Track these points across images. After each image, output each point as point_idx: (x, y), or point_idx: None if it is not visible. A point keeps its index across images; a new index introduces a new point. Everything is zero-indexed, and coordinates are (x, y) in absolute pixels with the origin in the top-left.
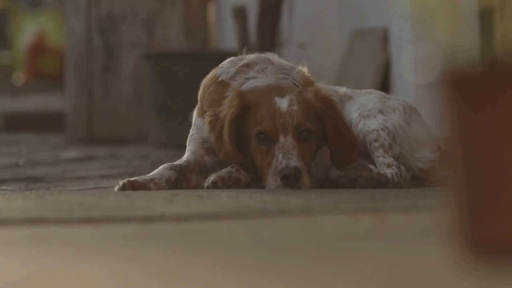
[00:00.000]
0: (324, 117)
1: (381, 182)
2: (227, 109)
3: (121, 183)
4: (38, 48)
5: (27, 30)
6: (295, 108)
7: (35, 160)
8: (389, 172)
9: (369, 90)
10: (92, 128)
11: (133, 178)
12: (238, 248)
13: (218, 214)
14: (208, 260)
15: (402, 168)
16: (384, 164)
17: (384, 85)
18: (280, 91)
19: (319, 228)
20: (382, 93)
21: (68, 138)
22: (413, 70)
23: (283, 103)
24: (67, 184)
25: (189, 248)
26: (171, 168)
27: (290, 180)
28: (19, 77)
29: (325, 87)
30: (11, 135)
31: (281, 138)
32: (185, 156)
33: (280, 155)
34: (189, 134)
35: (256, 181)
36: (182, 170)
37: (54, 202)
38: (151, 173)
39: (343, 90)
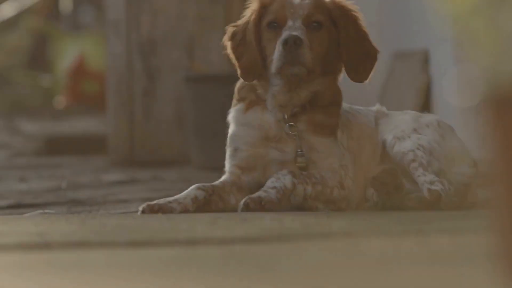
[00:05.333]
0: (337, 21)
1: (433, 199)
2: (248, 15)
3: (140, 208)
4: (79, 71)
5: (67, 53)
6: (307, 1)
7: (77, 183)
8: (433, 188)
9: (405, 111)
10: (134, 150)
11: (154, 201)
12: (281, 271)
13: (261, 237)
14: (252, 283)
15: (445, 182)
16: (427, 182)
17: (425, 107)
18: None
19: (362, 251)
20: (416, 112)
21: (110, 160)
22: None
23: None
24: (109, 207)
25: (233, 271)
26: (199, 188)
27: (290, 46)
28: (61, 100)
29: (357, 108)
30: (53, 158)
31: (290, 23)
32: (222, 177)
33: (287, 32)
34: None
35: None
36: (215, 190)
37: (97, 226)
38: (178, 195)
39: (375, 107)
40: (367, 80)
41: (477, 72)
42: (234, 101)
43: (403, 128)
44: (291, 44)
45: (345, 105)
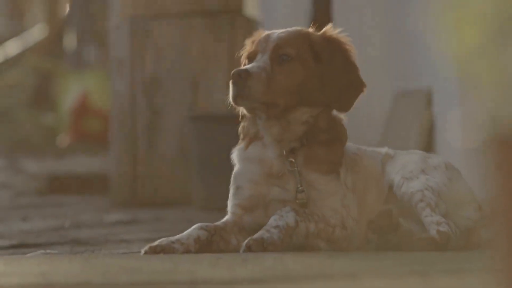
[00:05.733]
0: (321, 54)
1: (443, 240)
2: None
3: (142, 251)
4: (82, 109)
5: (71, 91)
6: (283, 35)
7: (79, 223)
8: (442, 229)
9: (411, 150)
10: (136, 190)
11: (156, 242)
12: None
13: (263, 278)
14: None
15: (451, 224)
16: (434, 223)
17: (428, 146)
18: None
19: None
20: (423, 153)
21: (112, 200)
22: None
23: (276, 32)
24: (111, 247)
25: None
26: (201, 228)
27: (235, 80)
28: (64, 139)
29: (365, 149)
30: (55, 197)
31: (259, 56)
32: (224, 218)
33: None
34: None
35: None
36: (217, 231)
37: (99, 266)
38: (180, 234)
39: (383, 150)
40: (349, 110)
41: (481, 112)
42: (239, 142)
43: (411, 168)
44: (237, 78)
45: (352, 145)
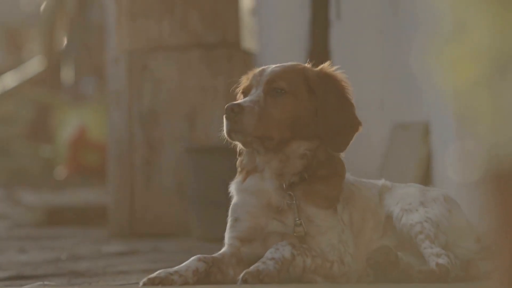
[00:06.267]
0: (316, 89)
1: (442, 275)
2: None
3: (141, 283)
4: (80, 142)
5: (68, 124)
6: (277, 69)
7: (77, 255)
8: (441, 262)
9: (409, 184)
10: (134, 222)
11: (154, 274)
12: None
13: None
14: None
15: (451, 255)
16: (433, 255)
17: (426, 179)
18: None
19: None
20: (421, 186)
21: (110, 232)
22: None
23: (271, 67)
24: (109, 279)
25: None
26: (200, 260)
27: (228, 114)
28: (61, 171)
29: (362, 181)
30: (53, 229)
31: (253, 90)
32: (222, 249)
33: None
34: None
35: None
36: (215, 262)
37: None
38: (178, 266)
39: (380, 182)
40: (344, 151)
41: (478, 146)
42: (236, 175)
43: (410, 201)
44: (230, 113)
45: (350, 177)
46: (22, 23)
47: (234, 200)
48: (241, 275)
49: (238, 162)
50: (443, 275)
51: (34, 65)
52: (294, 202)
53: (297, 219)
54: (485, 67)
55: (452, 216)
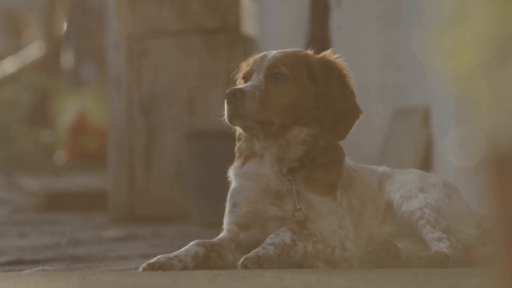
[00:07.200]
0: (318, 75)
1: (441, 260)
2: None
3: (141, 268)
4: (80, 127)
5: (68, 109)
6: (278, 55)
7: (77, 240)
8: (442, 246)
9: (409, 169)
10: (134, 207)
11: (154, 259)
12: None
13: None
14: None
15: (453, 239)
16: (435, 239)
17: (426, 164)
18: None
19: None
20: (422, 172)
21: (110, 217)
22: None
23: (273, 52)
24: (109, 263)
25: None
26: (199, 244)
27: (230, 99)
28: (61, 156)
29: (363, 166)
30: (53, 214)
31: (254, 76)
32: (220, 234)
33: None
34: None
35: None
36: (214, 247)
37: (97, 283)
38: (178, 251)
39: (381, 168)
40: (345, 139)
41: (478, 131)
42: (234, 160)
43: (410, 187)
44: (231, 98)
45: (350, 162)
46: (22, 8)
47: (232, 185)
48: (241, 260)
49: (236, 148)
50: (443, 260)
51: (34, 50)
52: (294, 186)
53: (297, 204)
54: (484, 52)
55: (452, 202)
